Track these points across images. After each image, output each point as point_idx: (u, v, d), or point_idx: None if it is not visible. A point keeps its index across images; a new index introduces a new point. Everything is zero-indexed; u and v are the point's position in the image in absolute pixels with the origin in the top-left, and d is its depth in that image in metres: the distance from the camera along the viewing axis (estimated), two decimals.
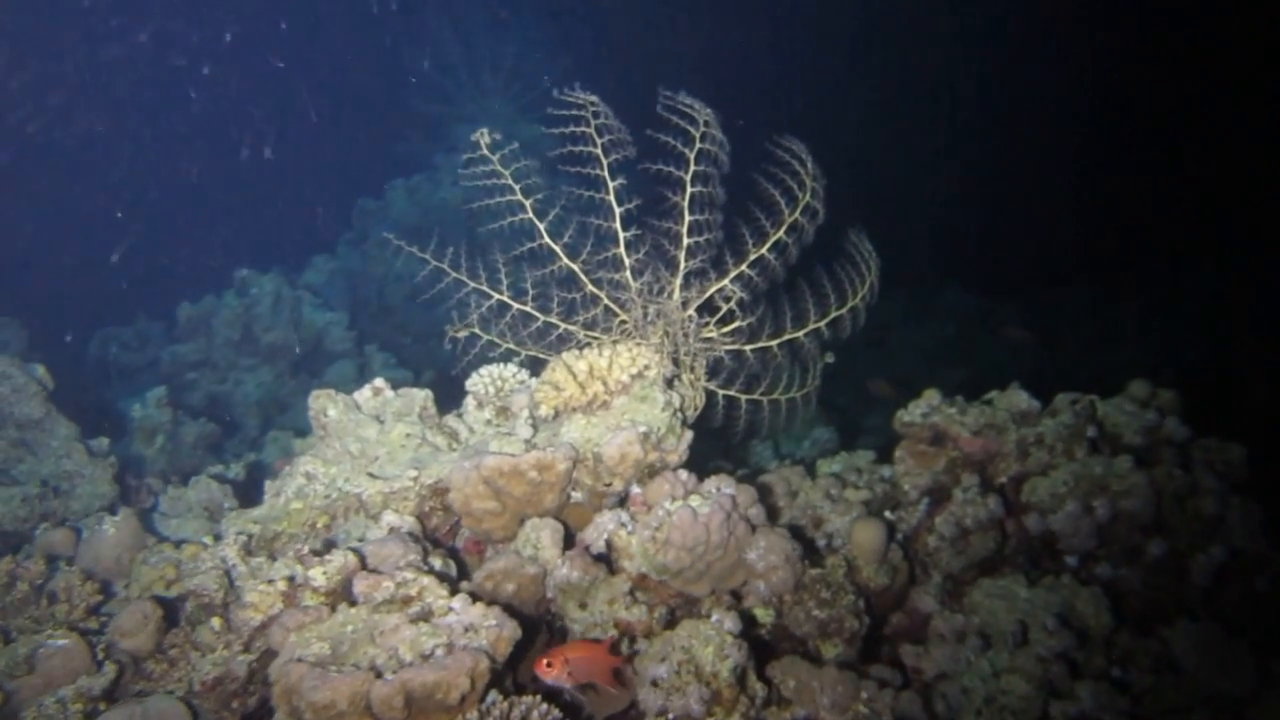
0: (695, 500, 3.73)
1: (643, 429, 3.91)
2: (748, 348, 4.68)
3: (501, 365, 4.66)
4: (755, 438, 7.85)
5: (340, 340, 11.17)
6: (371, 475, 4.03)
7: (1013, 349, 12.83)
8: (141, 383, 10.87)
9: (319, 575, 3.22)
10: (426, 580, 3.28)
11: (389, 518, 3.83)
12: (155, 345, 11.54)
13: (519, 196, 4.24)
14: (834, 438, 8.84)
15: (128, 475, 6.07)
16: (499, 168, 4.22)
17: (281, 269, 13.00)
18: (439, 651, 2.98)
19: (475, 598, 3.37)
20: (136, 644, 3.34)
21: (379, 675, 2.87)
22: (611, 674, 3.26)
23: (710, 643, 3.26)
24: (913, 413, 4.54)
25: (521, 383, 4.59)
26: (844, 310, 4.68)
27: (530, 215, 4.29)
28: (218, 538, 4.10)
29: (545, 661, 3.19)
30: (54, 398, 5.74)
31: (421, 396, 4.55)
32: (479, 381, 4.59)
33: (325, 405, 4.32)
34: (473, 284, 4.46)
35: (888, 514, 4.51)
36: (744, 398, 4.87)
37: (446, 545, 4.08)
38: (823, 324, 4.69)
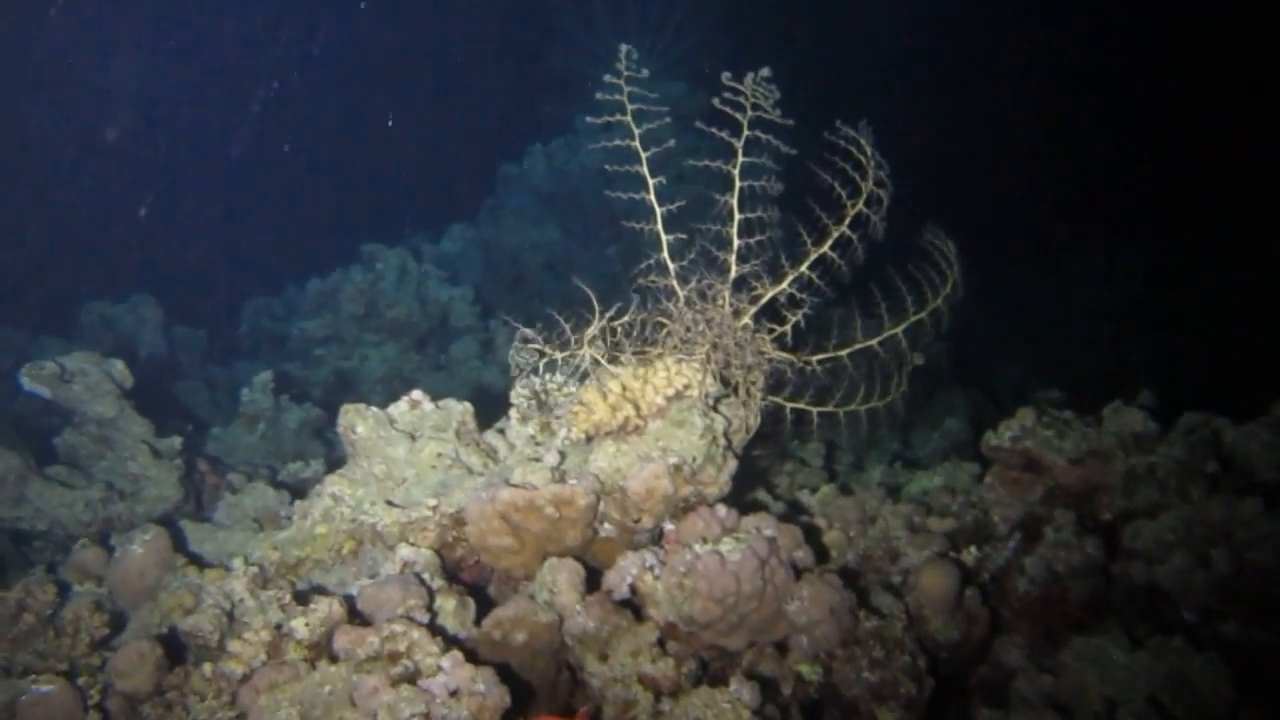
0: (727, 544, 3.31)
1: (674, 460, 3.51)
2: (815, 359, 4.18)
3: (547, 375, 4.32)
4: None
5: (464, 315, 10.97)
6: (389, 503, 3.78)
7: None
8: (287, 354, 11.08)
9: (301, 626, 2.99)
10: (417, 634, 3.00)
11: (403, 552, 3.58)
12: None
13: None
14: (966, 429, 8.10)
15: (206, 471, 6.09)
16: None
17: (421, 239, 12.96)
18: None
19: (473, 655, 3.09)
20: (134, 685, 3.20)
21: None
22: None
23: (723, 718, 2.86)
24: (1002, 436, 3.96)
25: (569, 395, 4.24)
26: (923, 314, 4.13)
27: None
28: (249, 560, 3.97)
29: None
30: (132, 394, 5.76)
31: (459, 410, 4.27)
32: (521, 394, 4.28)
33: (354, 421, 4.09)
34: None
35: (972, 550, 3.95)
36: (815, 410, 4.38)
37: (472, 580, 3.81)
38: (899, 330, 4.15)
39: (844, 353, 4.16)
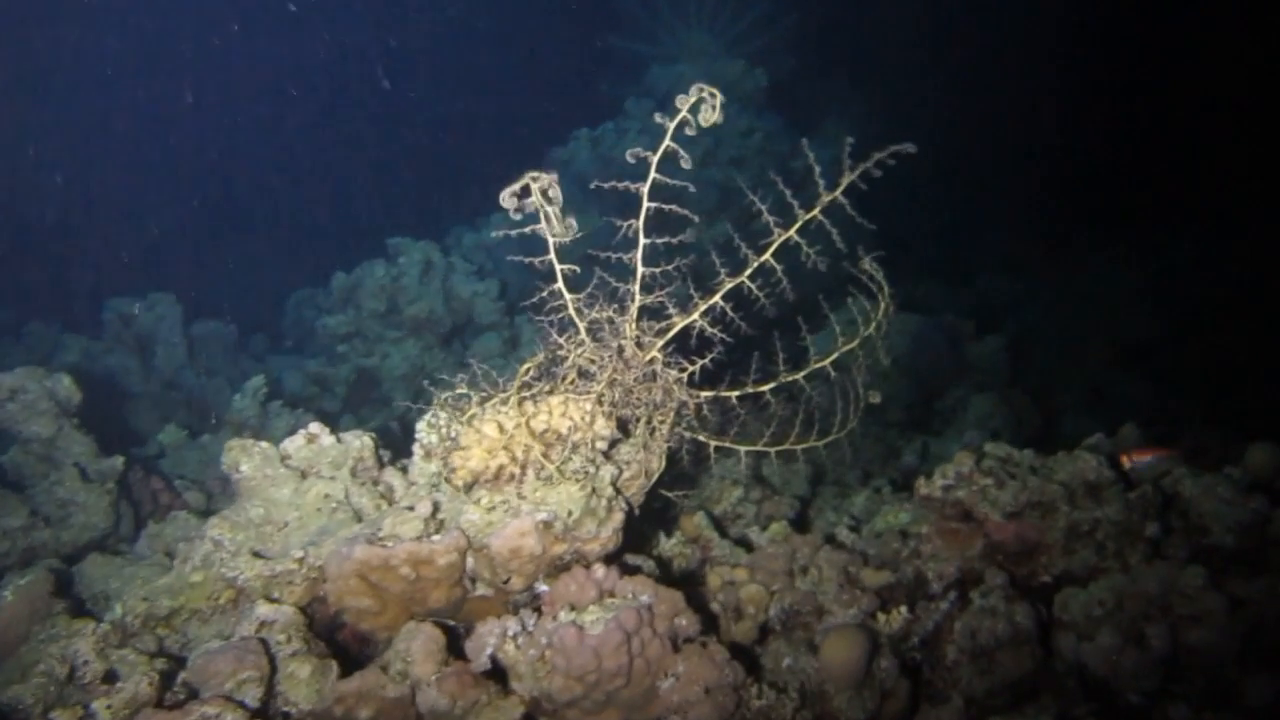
0: (591, 614, 2.97)
1: (543, 516, 3.18)
2: (733, 394, 3.81)
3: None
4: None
5: (489, 311, 10.62)
6: (255, 554, 3.51)
7: None
8: (317, 350, 10.91)
9: (102, 709, 2.74)
10: (231, 717, 2.73)
11: (261, 610, 3.30)
12: None
13: None
14: (987, 441, 7.54)
15: (160, 489, 5.93)
16: None
17: (465, 228, 12.63)
18: None
19: None
20: None
21: None
22: None
23: None
24: (934, 484, 3.54)
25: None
26: (853, 345, 3.73)
27: None
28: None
29: None
30: (80, 411, 5.60)
31: (358, 446, 3.99)
32: (426, 429, 3.98)
33: (238, 459, 3.84)
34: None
35: (902, 610, 3.55)
36: (744, 449, 4.01)
37: (353, 639, 3.52)
38: (826, 363, 3.75)
39: (765, 388, 3.78)
